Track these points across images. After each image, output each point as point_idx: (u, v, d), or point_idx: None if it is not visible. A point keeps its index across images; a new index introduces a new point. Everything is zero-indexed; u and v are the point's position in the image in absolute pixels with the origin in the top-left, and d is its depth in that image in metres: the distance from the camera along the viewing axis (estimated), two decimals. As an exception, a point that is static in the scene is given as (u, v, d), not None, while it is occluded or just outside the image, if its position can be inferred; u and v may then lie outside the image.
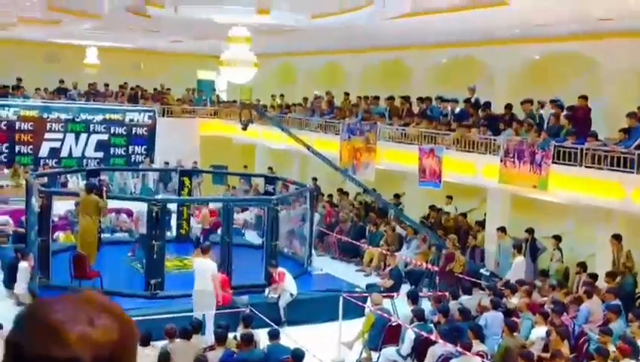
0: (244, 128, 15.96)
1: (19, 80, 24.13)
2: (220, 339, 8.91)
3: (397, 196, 19.00)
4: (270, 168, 23.21)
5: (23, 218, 15.79)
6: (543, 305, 11.26)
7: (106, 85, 25.88)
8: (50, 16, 16.28)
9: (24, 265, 12.48)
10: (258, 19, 12.29)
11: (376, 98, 19.43)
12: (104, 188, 13.76)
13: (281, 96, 24.33)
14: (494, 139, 14.25)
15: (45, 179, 16.98)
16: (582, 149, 12.30)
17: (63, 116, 23.47)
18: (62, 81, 25.04)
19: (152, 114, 24.87)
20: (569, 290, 12.58)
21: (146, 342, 8.81)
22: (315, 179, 20.94)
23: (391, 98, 18.66)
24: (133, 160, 24.66)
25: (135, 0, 12.53)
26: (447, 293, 11.95)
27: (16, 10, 15.19)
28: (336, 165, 16.40)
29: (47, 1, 13.63)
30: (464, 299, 11.54)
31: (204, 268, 11.26)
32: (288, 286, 12.62)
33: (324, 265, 16.04)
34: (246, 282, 13.07)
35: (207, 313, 10.99)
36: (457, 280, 13.21)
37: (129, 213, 18.91)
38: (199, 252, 11.75)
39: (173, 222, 17.51)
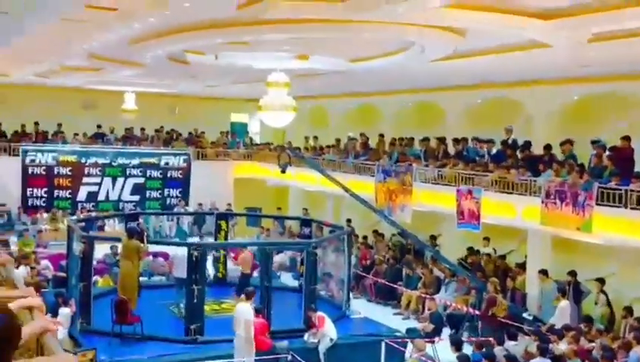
0: (283, 171, 16.05)
1: (59, 125, 24.69)
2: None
3: (433, 238, 18.84)
4: (305, 209, 23.23)
5: (63, 262, 15.96)
6: (590, 351, 10.97)
7: (142, 129, 26.33)
8: (92, 64, 16.68)
9: (66, 311, 12.53)
10: (297, 65, 12.44)
11: (411, 139, 19.43)
12: (145, 233, 13.82)
13: (315, 138, 24.45)
14: (534, 180, 14.09)
15: (83, 223, 17.18)
16: (626, 190, 12.09)
17: (101, 160, 23.90)
18: (99, 126, 25.57)
19: (186, 157, 25.19)
20: (616, 335, 12.25)
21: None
22: (349, 221, 20.89)
23: (426, 139, 18.64)
24: (168, 203, 24.91)
25: (176, 48, 12.76)
26: (491, 339, 11.71)
27: (60, 59, 15.60)
28: (374, 207, 16.34)
29: (90, 51, 13.96)
30: (510, 344, 11.29)
31: (242, 313, 11.20)
32: (328, 330, 12.47)
33: (361, 307, 15.86)
34: (285, 327, 12.94)
35: (247, 359, 10.90)
36: (500, 325, 12.94)
37: (165, 257, 18.98)
38: (241, 297, 11.66)
39: (210, 265, 17.50)
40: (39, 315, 2.54)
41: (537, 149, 15.41)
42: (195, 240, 19.41)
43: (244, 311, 11.24)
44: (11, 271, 3.54)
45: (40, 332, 2.39)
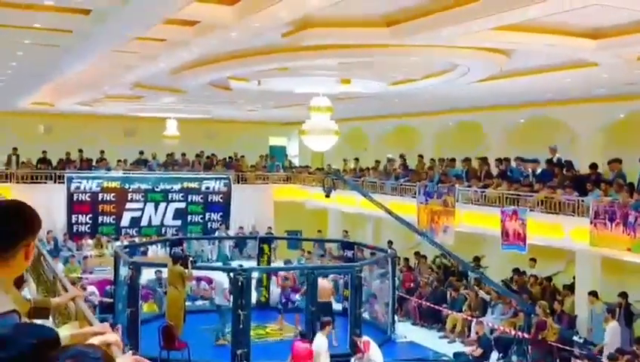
0: (327, 195, 16.05)
1: (102, 152, 25.16)
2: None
3: (477, 259, 18.60)
4: (345, 232, 23.18)
5: (109, 288, 16.14)
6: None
7: (183, 154, 26.68)
8: (135, 92, 17.00)
9: (114, 337, 12.64)
10: (339, 89, 12.48)
11: (452, 160, 19.29)
12: (190, 259, 13.92)
13: (356, 160, 24.42)
14: (582, 200, 13.83)
15: (127, 249, 17.40)
16: (679, 209, 11.79)
17: (143, 186, 24.24)
18: (141, 153, 25.98)
19: (227, 181, 25.39)
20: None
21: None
22: (390, 243, 20.75)
23: (467, 159, 18.48)
24: (209, 226, 25.09)
25: (219, 75, 12.93)
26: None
27: (105, 89, 15.94)
28: (418, 229, 16.21)
29: (134, 80, 14.24)
30: (562, 369, 11.02)
31: (322, 347, 11.15)
32: (374, 355, 12.32)
33: (405, 330, 15.70)
34: (331, 351, 12.83)
35: None
36: (551, 349, 12.66)
37: (209, 281, 19.08)
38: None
39: (253, 290, 17.52)
40: (119, 353, 2.55)
41: (582, 169, 15.15)
42: (238, 263, 19.49)
43: (319, 344, 11.20)
44: (84, 306, 3.58)
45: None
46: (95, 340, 2.64)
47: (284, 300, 15.64)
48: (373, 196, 18.29)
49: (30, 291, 4.15)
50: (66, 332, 2.87)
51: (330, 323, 11.69)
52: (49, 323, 3.85)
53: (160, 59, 10.66)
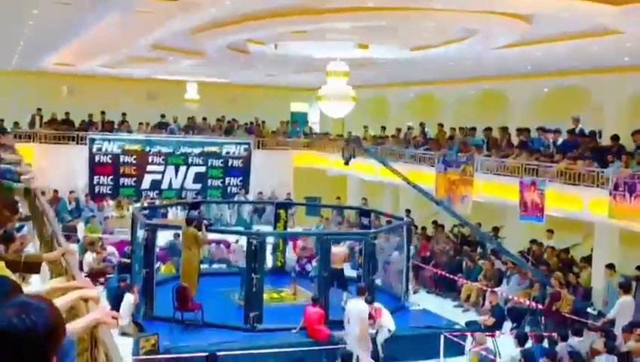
0: (347, 163, 15.97)
1: (124, 115, 25.29)
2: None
3: (496, 229, 18.47)
4: (364, 199, 23.14)
5: (127, 248, 16.36)
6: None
7: (204, 119, 26.72)
8: (155, 54, 16.99)
9: (130, 297, 12.85)
10: (357, 54, 12.31)
11: (473, 129, 19.04)
12: (204, 222, 13.99)
13: (383, 128, 24.16)
14: (602, 172, 13.59)
15: (147, 211, 17.57)
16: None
17: (164, 150, 24.36)
18: (163, 116, 26.05)
19: (247, 146, 25.42)
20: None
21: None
22: (408, 211, 20.68)
23: (488, 129, 18.23)
24: (229, 191, 25.21)
25: (238, 38, 12.84)
26: (554, 334, 11.40)
27: (125, 50, 15.94)
28: (436, 198, 16.09)
29: (154, 41, 14.20)
30: (574, 341, 10.95)
31: (358, 310, 11.21)
32: (386, 322, 12.38)
33: (420, 299, 15.70)
34: (343, 317, 12.90)
35: (362, 354, 10.97)
36: (564, 320, 12.59)
37: (226, 245, 19.25)
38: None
39: (269, 254, 17.62)
40: (95, 307, 2.55)
41: (607, 140, 14.86)
42: (257, 228, 19.60)
43: (360, 308, 11.27)
44: (71, 262, 3.61)
45: (94, 324, 2.40)
46: (73, 294, 2.65)
47: (298, 269, 15.69)
48: (393, 164, 18.18)
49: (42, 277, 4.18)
50: (46, 286, 2.90)
51: (366, 291, 11.74)
52: (39, 277, 3.91)
53: (175, 20, 10.59)
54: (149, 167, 24.19)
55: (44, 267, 4.22)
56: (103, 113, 25.11)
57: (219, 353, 10.61)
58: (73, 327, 2.26)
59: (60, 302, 2.44)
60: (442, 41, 12.19)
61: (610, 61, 14.17)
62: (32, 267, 3.50)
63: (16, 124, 23.53)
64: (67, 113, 24.56)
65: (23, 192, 5.77)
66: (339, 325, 12.34)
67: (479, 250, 17.89)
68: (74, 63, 20.98)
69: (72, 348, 2.15)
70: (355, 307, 11.24)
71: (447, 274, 16.95)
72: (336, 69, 13.30)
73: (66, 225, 20.21)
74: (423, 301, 15.59)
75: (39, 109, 24.22)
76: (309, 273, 15.07)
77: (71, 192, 22.69)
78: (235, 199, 24.67)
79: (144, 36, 13.02)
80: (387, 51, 12.74)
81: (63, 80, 25.57)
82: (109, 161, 23.70)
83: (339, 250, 13.95)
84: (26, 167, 8.39)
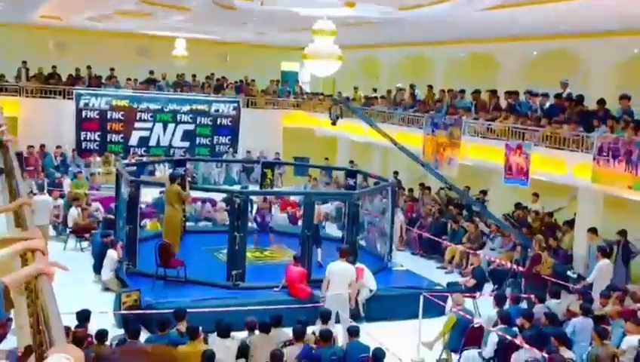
0: (334, 123, 15.90)
1: (111, 70, 25.01)
2: (299, 335, 8.89)
3: (483, 192, 18.54)
4: (351, 161, 23.13)
5: (113, 205, 16.35)
6: (636, 312, 10.68)
7: (193, 76, 26.48)
8: (142, 8, 16.73)
9: (112, 253, 12.90)
10: (344, 12, 12.15)
11: (462, 91, 18.96)
12: (187, 179, 13.96)
13: (374, 90, 23.98)
14: (587, 136, 13.60)
15: (134, 168, 17.52)
16: (684, 149, 11.56)
17: (152, 106, 24.19)
18: (152, 72, 25.79)
19: (236, 105, 25.26)
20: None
21: (226, 334, 8.90)
22: (396, 173, 20.71)
23: (477, 92, 18.15)
24: (217, 150, 25.15)
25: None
26: (532, 296, 11.53)
27: (113, 3, 15.67)
28: (422, 161, 16.11)
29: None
30: (552, 303, 11.08)
31: (343, 273, 11.24)
32: (367, 281, 12.49)
33: (405, 260, 15.80)
34: (325, 276, 13.00)
35: (342, 315, 11.01)
36: (544, 283, 12.73)
37: (213, 203, 19.26)
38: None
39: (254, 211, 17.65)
40: (40, 258, 2.55)
41: (594, 105, 14.82)
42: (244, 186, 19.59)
43: (345, 270, 11.22)
44: (27, 213, 3.59)
45: (35, 274, 2.39)
46: (18, 245, 2.64)
47: (259, 220, 15.78)
48: (382, 126, 18.11)
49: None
50: (-5, 237, 2.88)
51: (349, 252, 11.75)
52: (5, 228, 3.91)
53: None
54: (137, 124, 24.04)
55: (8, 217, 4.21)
56: (89, 68, 24.81)
57: (200, 309, 10.70)
58: (12, 278, 2.26)
59: (3, 252, 2.44)
60: (430, 1, 12.04)
61: (599, 25, 14.05)
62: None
63: (1, 77, 23.26)
64: (54, 67, 24.28)
65: (-6, 143, 5.74)
66: (321, 283, 12.47)
67: (464, 212, 17.97)
68: (61, 17, 20.66)
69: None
70: (341, 269, 11.27)
71: (432, 236, 17.05)
72: (323, 27, 13.12)
73: (54, 180, 20.18)
74: (407, 262, 15.69)
75: (24, 62, 23.90)
76: (268, 223, 15.21)
77: (57, 147, 22.58)
78: (224, 158, 24.60)
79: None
80: (374, 10, 12.57)
81: (50, 34, 25.20)
82: (97, 117, 23.52)
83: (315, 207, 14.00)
84: (2, 118, 8.29)
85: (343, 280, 11.18)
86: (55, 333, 1.98)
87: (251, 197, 16.19)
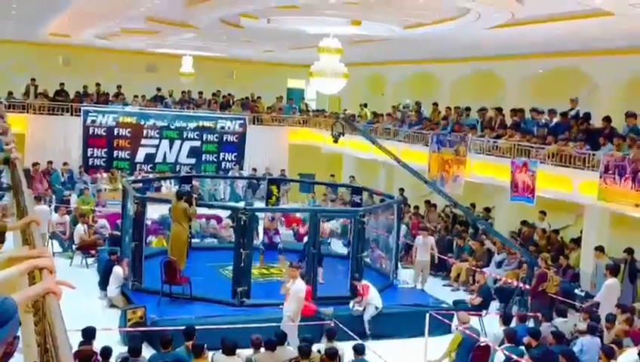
0: (336, 140, 15.92)
1: (119, 87, 25.16)
2: (305, 353, 8.85)
3: (487, 210, 18.50)
4: (352, 177, 23.15)
5: (119, 221, 16.37)
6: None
7: (200, 93, 26.61)
8: (150, 26, 16.86)
9: (118, 270, 12.91)
10: (350, 31, 12.22)
11: (468, 109, 19.00)
12: (194, 196, 13.99)
13: (374, 113, 23.96)
14: (593, 154, 13.59)
15: (140, 184, 17.56)
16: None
17: (159, 123, 24.30)
18: (159, 89, 25.93)
19: (242, 122, 25.35)
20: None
21: (231, 351, 8.87)
22: (401, 190, 20.71)
23: (483, 109, 18.18)
24: (223, 166, 25.21)
25: (230, 11, 12.73)
26: (539, 314, 11.47)
27: (119, 21, 15.82)
28: (424, 178, 16.09)
29: (146, 13, 14.09)
30: (558, 321, 11.02)
31: (299, 292, 11.22)
32: (373, 299, 12.45)
33: (410, 277, 15.75)
34: (330, 293, 12.98)
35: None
36: (551, 301, 12.66)
37: (218, 220, 19.27)
38: (293, 271, 11.61)
39: (261, 230, 17.64)
40: (47, 276, 2.56)
41: (600, 122, 14.82)
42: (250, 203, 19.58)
43: (300, 289, 11.23)
44: (34, 231, 3.61)
45: (43, 293, 2.41)
46: (26, 264, 2.66)
47: (267, 241, 15.72)
48: (387, 143, 18.13)
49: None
50: (4, 255, 2.90)
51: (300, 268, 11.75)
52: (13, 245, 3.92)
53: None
54: (144, 141, 24.14)
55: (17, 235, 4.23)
56: (98, 85, 24.98)
57: (205, 327, 10.67)
58: (20, 296, 2.28)
59: (10, 271, 2.45)
60: (435, 20, 12.10)
61: (605, 43, 14.09)
62: (-3, 235, 3.51)
63: (10, 94, 23.42)
64: (62, 84, 24.42)
65: (2, 161, 5.75)
66: (327, 301, 12.44)
67: (470, 230, 17.93)
68: (70, 34, 20.84)
69: (16, 313, 2.16)
70: (297, 288, 11.24)
71: (438, 254, 16.96)
72: (329, 45, 13.19)
73: (62, 197, 20.25)
74: (414, 279, 15.63)
75: (33, 80, 24.07)
76: (277, 245, 15.17)
77: (64, 164, 22.67)
78: (230, 175, 24.65)
79: (135, 7, 12.90)
80: (380, 29, 12.65)
81: (59, 50, 25.40)
82: (104, 134, 23.63)
83: (323, 225, 13.98)
84: (11, 136, 8.35)
85: (299, 298, 11.17)
86: (62, 353, 1.99)
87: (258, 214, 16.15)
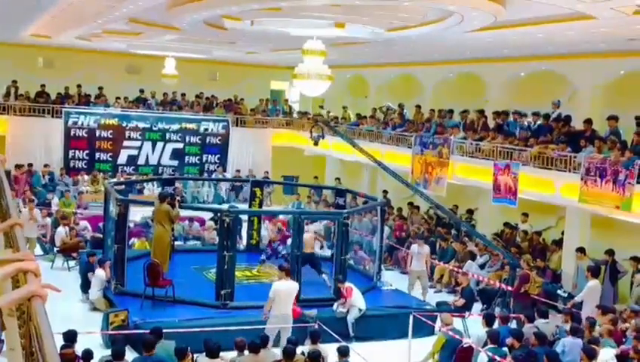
0: (316, 143, 15.95)
1: (100, 89, 24.97)
2: (289, 355, 8.84)
3: (470, 212, 18.61)
4: (338, 179, 23.17)
5: (101, 224, 16.27)
6: (625, 332, 10.73)
7: (183, 95, 26.49)
8: (132, 28, 16.76)
9: (100, 273, 12.82)
10: (334, 33, 12.24)
11: (450, 111, 19.10)
12: (177, 198, 13.93)
13: (358, 115, 23.99)
14: (574, 157, 13.72)
15: (123, 186, 17.44)
16: (670, 169, 11.67)
17: (141, 125, 24.14)
18: (142, 91, 25.78)
19: (225, 124, 25.27)
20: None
21: (215, 354, 8.84)
22: (385, 192, 20.77)
23: (465, 111, 18.30)
24: (206, 168, 25.11)
25: (212, 13, 12.69)
26: (521, 316, 11.55)
27: (101, 22, 15.70)
28: (405, 181, 16.17)
29: (129, 14, 14.01)
30: (540, 322, 11.10)
31: (289, 292, 11.24)
32: (356, 301, 12.48)
33: (393, 279, 15.80)
34: (314, 296, 12.98)
35: (283, 332, 11.01)
36: (533, 303, 12.76)
37: (201, 222, 19.20)
38: (281, 274, 11.62)
39: (244, 232, 17.62)
40: (32, 280, 2.53)
41: (582, 125, 14.97)
42: (233, 205, 19.49)
43: (291, 289, 11.29)
44: (18, 234, 3.57)
45: (28, 296, 2.38)
46: (10, 267, 2.63)
47: (270, 252, 15.63)
48: (371, 145, 18.17)
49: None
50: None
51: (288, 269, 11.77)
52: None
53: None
54: (126, 142, 23.96)
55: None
56: (79, 86, 24.78)
57: (189, 329, 10.63)
58: (5, 299, 2.25)
59: None
60: (418, 23, 12.15)
61: (586, 47, 14.23)
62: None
63: (-10, 95, 23.18)
64: (43, 85, 24.20)
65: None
66: (310, 303, 12.43)
67: (453, 231, 18.02)
68: (51, 36, 20.64)
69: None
70: (286, 288, 11.25)
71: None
72: (313, 47, 13.19)
73: (45, 200, 20.04)
74: (396, 281, 15.68)
75: (14, 81, 23.83)
76: (281, 254, 15.08)
77: (45, 166, 22.47)
78: (213, 177, 24.56)
79: (117, 9, 12.82)
80: (364, 31, 12.67)
81: (40, 52, 25.16)
82: (85, 136, 23.43)
83: (306, 236, 13.91)
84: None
85: (289, 299, 11.18)
86: (49, 356, 1.97)
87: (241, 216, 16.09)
